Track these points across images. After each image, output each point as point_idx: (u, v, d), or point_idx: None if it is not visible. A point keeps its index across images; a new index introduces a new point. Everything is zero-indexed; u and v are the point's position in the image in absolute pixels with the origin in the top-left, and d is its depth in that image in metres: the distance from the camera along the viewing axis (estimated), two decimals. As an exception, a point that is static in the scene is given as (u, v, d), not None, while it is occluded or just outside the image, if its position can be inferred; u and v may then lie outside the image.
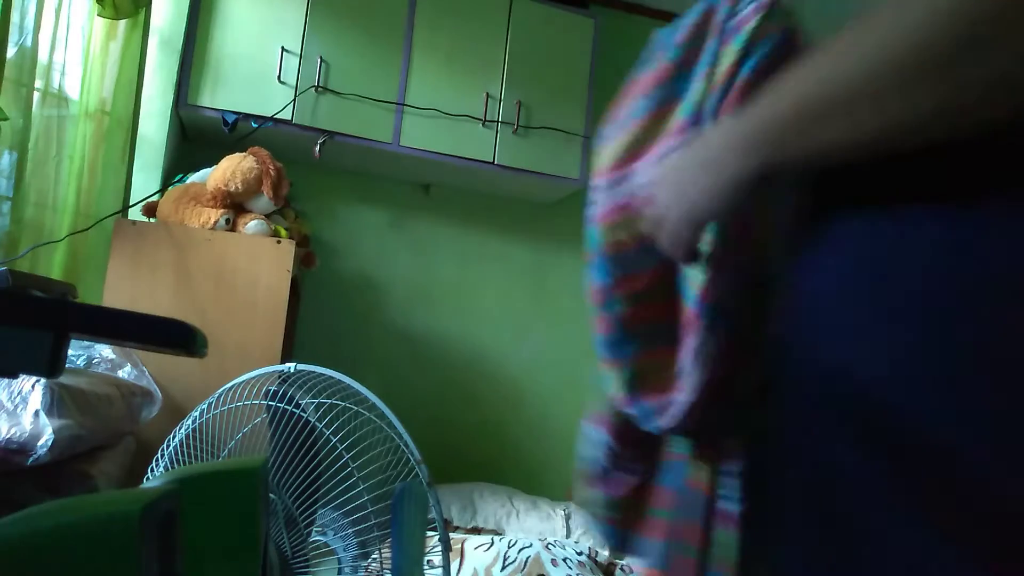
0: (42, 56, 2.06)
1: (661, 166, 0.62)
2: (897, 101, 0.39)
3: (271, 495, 1.40)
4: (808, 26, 0.63)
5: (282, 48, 2.61)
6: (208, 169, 2.30)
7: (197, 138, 2.82)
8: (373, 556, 1.57)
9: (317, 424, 1.45)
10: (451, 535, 2.05)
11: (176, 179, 2.42)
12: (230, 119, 2.54)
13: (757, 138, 0.49)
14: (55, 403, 1.32)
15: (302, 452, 1.43)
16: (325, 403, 1.54)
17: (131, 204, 2.29)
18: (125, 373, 1.85)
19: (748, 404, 0.66)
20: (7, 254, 1.97)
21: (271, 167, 2.26)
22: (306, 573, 1.43)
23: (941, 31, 0.37)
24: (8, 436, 1.26)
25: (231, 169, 2.21)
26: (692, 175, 0.55)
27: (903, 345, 0.47)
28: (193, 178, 2.33)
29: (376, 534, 1.48)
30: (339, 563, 1.62)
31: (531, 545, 2.16)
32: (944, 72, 0.37)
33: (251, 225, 2.19)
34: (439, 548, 1.51)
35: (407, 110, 2.76)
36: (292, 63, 2.62)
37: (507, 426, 3.19)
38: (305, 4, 2.66)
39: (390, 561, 1.43)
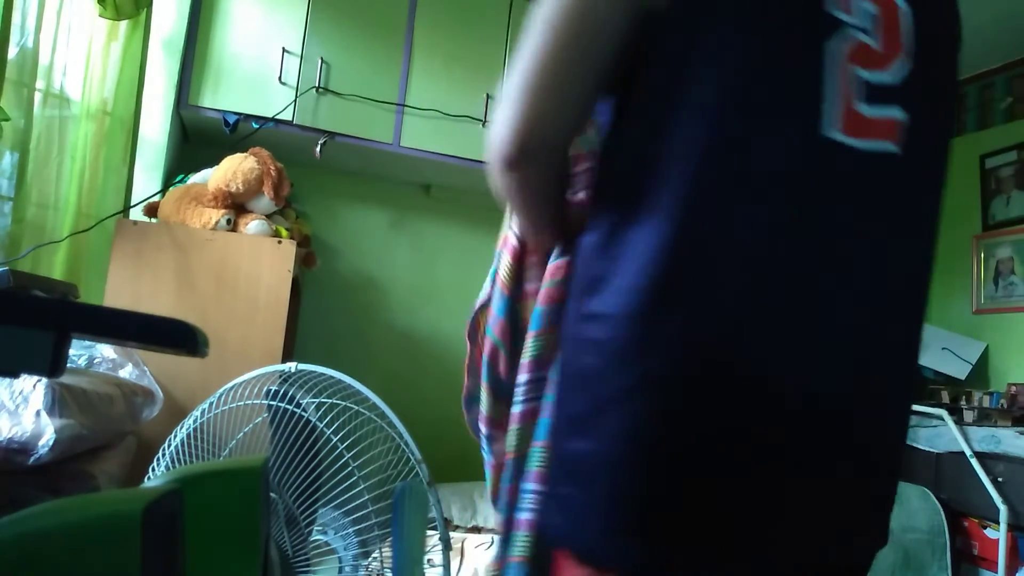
0: (43, 57, 2.07)
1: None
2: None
3: (272, 494, 1.41)
4: None
5: (283, 49, 2.61)
6: (209, 169, 2.31)
7: (198, 138, 2.83)
8: (373, 555, 1.58)
9: (318, 424, 1.46)
10: (451, 534, 2.06)
11: (177, 179, 2.43)
12: (231, 120, 2.55)
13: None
14: (56, 403, 1.33)
15: (303, 451, 1.43)
16: (326, 403, 1.54)
17: (132, 204, 2.30)
18: (126, 373, 1.85)
19: None
20: (9, 254, 1.97)
21: (272, 167, 2.26)
22: (307, 572, 1.43)
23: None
24: (10, 436, 1.26)
25: (232, 169, 2.22)
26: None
27: None
28: (194, 178, 2.34)
29: (376, 533, 1.48)
30: (340, 562, 1.62)
31: (531, 544, 2.15)
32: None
33: (252, 225, 2.19)
34: (439, 547, 1.52)
35: (407, 111, 2.76)
36: (293, 64, 2.63)
37: (507, 426, 3.19)
38: (306, 5, 2.67)
39: (390, 560, 1.44)
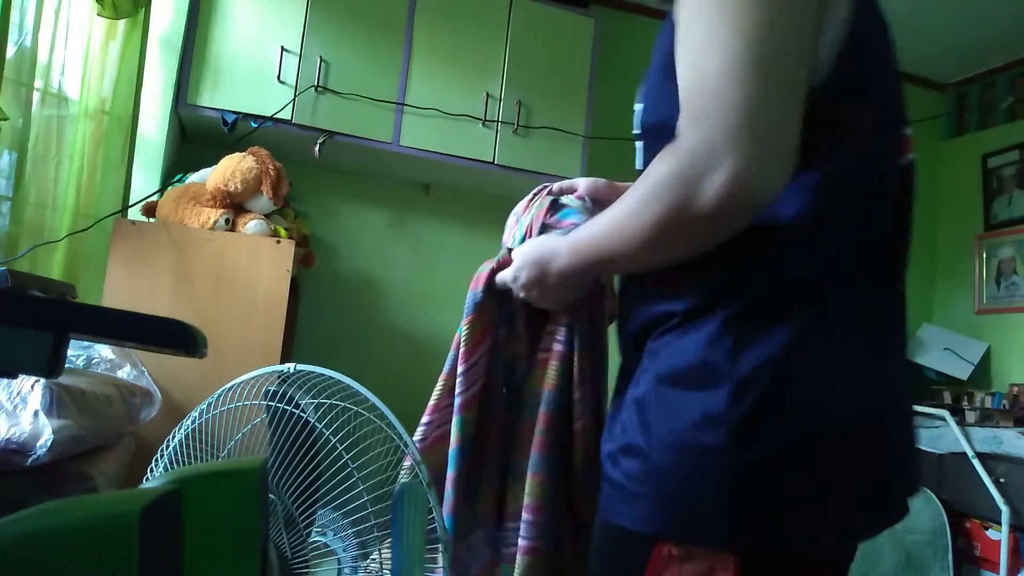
0: (42, 56, 2.06)
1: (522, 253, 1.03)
2: (626, 263, 0.85)
3: (271, 495, 1.40)
4: None
5: (282, 48, 2.61)
6: (208, 169, 2.30)
7: (197, 138, 2.82)
8: (373, 557, 1.57)
9: (317, 424, 1.45)
10: (451, 535, 2.04)
11: (176, 179, 2.42)
12: (230, 119, 2.54)
13: (582, 264, 0.91)
14: (55, 403, 1.32)
15: (302, 452, 1.42)
16: (325, 403, 1.53)
17: (131, 204, 2.29)
18: (124, 373, 1.85)
19: None
20: (7, 254, 1.96)
21: (271, 167, 2.26)
22: (306, 573, 1.42)
23: (642, 237, 0.76)
24: (8, 436, 1.25)
25: (231, 169, 2.21)
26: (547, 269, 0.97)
27: None
28: (193, 178, 2.33)
29: (376, 534, 1.47)
30: (339, 564, 1.62)
31: (531, 545, 2.15)
32: (640, 255, 0.79)
33: (251, 225, 2.18)
34: (439, 548, 1.51)
35: (407, 110, 2.76)
36: (292, 63, 2.62)
37: (507, 426, 3.19)
38: (305, 4, 2.66)
39: (390, 562, 1.43)
